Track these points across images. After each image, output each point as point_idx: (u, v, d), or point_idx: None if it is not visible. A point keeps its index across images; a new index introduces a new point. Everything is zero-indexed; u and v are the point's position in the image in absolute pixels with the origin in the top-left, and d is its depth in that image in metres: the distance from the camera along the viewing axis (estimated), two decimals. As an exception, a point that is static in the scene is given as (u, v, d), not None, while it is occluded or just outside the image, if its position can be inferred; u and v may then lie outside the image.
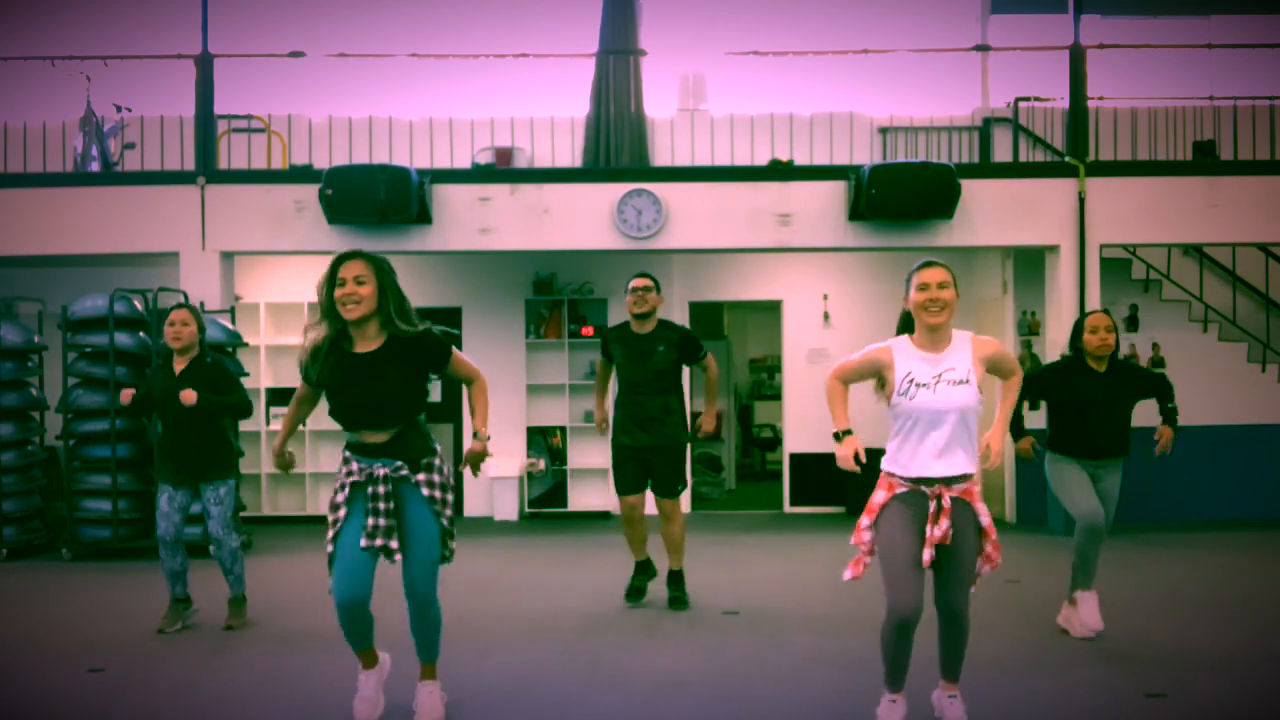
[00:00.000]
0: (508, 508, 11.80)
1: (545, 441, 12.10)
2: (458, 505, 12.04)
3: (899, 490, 4.33)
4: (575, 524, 11.41)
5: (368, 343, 4.43)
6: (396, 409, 4.43)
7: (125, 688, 5.41)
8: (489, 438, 4.64)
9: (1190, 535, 10.05)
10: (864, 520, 4.41)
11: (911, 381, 4.26)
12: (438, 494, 4.49)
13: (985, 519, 4.38)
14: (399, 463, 4.43)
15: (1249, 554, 9.13)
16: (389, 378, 4.39)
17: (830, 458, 13.24)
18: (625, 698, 5.18)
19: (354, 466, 4.45)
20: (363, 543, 4.35)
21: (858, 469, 4.36)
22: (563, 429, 12.05)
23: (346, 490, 4.44)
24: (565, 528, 11.19)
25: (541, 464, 12.02)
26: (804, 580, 8.20)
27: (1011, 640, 6.19)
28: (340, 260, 4.39)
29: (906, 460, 4.31)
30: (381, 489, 4.38)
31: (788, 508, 12.29)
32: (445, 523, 4.53)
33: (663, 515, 7.14)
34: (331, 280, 4.36)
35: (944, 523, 4.23)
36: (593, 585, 7.86)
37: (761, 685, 5.37)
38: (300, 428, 5.31)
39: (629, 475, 7.11)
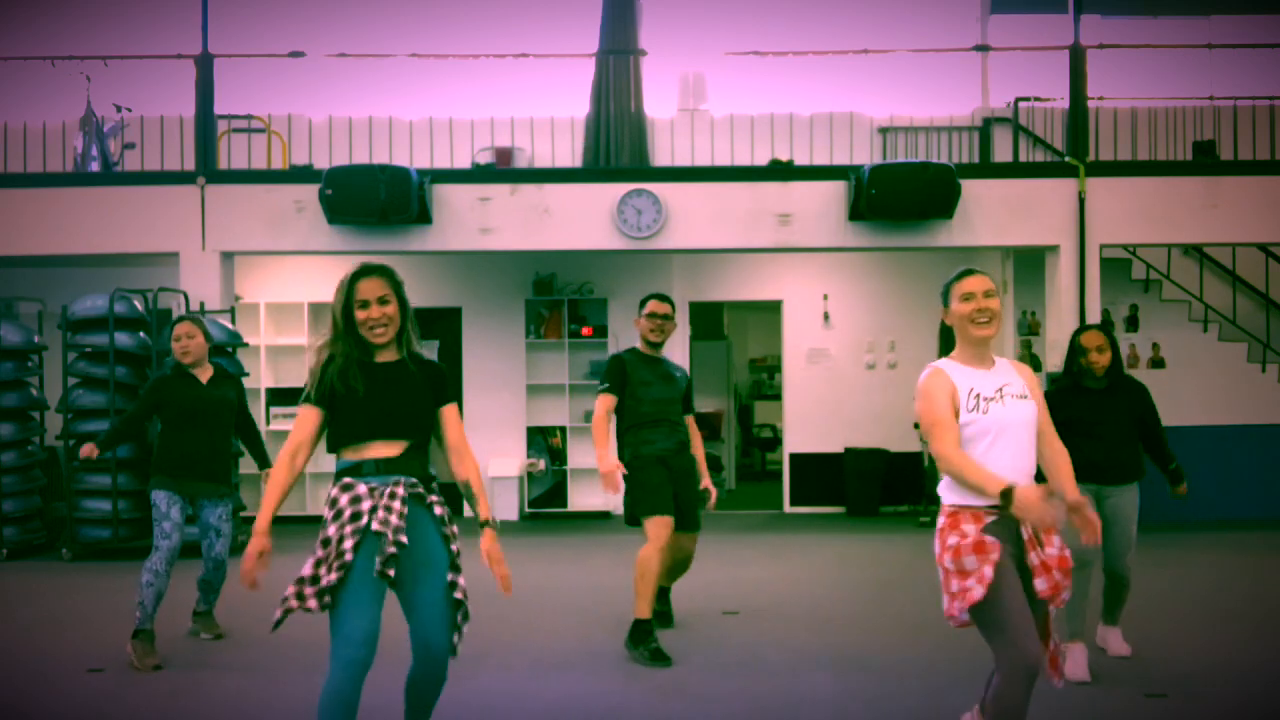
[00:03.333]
0: (508, 508, 11.80)
1: (545, 441, 12.11)
2: (455, 507, 12.07)
3: (987, 520, 3.72)
4: (575, 524, 11.40)
5: (386, 355, 3.99)
6: (416, 419, 3.95)
7: (125, 688, 5.41)
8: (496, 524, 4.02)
9: (1190, 535, 10.04)
10: (954, 584, 3.71)
11: (978, 396, 3.80)
12: (448, 516, 3.95)
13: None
14: (414, 479, 3.90)
15: (1248, 554, 9.14)
16: (413, 386, 3.95)
17: (830, 458, 13.09)
18: (624, 698, 5.18)
19: (362, 489, 3.83)
20: (377, 565, 3.74)
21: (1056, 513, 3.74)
22: (563, 429, 12.05)
23: (365, 518, 3.77)
24: (565, 528, 11.19)
25: (541, 464, 12.02)
26: (804, 580, 8.21)
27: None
28: (358, 277, 3.91)
29: None
30: (398, 506, 3.80)
31: (788, 508, 12.29)
32: (455, 551, 3.94)
33: (685, 558, 6.39)
34: (348, 298, 3.91)
35: (1055, 539, 3.69)
36: (593, 585, 7.86)
37: (761, 685, 5.37)
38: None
39: (666, 490, 6.06)
